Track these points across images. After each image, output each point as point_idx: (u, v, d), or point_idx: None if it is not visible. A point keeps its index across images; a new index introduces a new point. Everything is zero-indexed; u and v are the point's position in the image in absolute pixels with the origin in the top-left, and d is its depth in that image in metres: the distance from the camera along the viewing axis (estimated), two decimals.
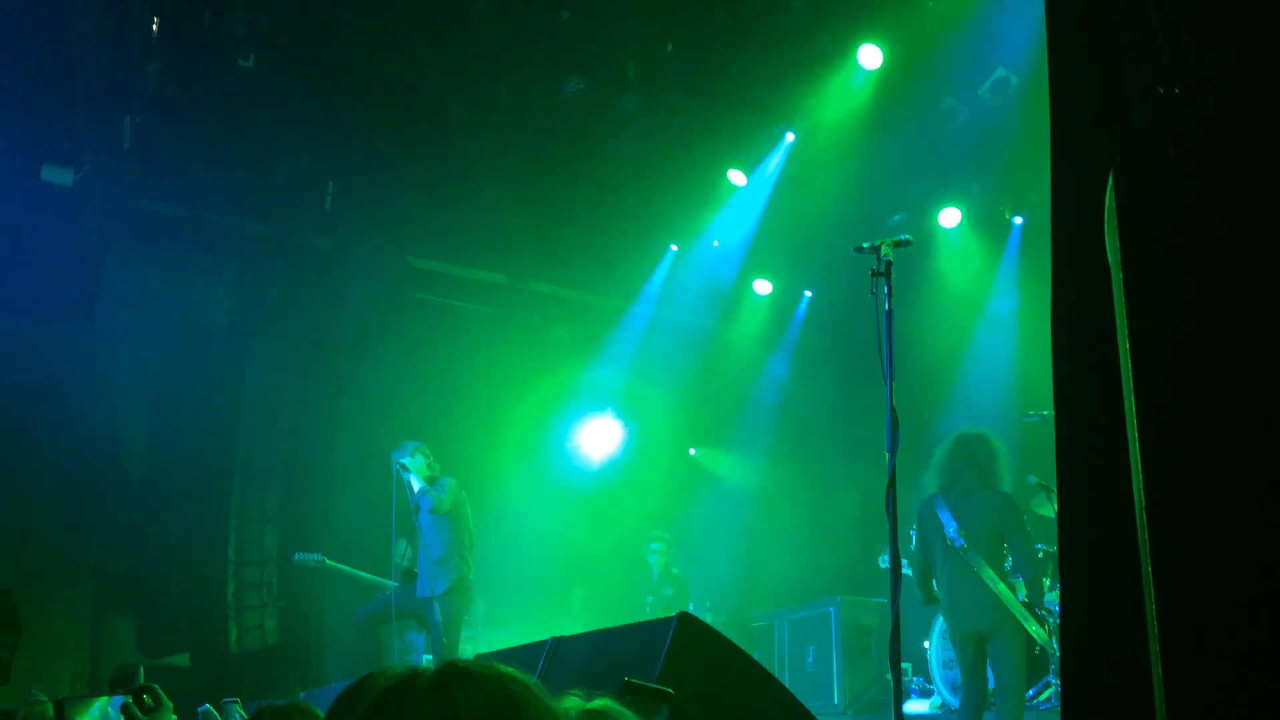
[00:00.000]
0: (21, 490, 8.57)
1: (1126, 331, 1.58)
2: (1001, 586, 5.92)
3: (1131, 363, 1.58)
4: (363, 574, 8.69)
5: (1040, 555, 6.68)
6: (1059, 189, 2.07)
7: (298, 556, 8.53)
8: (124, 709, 2.41)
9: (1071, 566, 1.91)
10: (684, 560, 10.11)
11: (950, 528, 6.06)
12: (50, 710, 3.55)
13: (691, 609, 9.28)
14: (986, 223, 9.73)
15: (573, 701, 1.75)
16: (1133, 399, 1.56)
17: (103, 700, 2.47)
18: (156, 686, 2.50)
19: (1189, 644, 1.54)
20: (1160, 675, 1.57)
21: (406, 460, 7.94)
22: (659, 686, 1.95)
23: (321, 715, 1.98)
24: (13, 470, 8.48)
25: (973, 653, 6.02)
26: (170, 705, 2.48)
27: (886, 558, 7.90)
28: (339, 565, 8.59)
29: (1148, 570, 1.60)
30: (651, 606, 9.45)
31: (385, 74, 8.50)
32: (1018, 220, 9.60)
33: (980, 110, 8.54)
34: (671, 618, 3.07)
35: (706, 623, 3.31)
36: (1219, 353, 1.51)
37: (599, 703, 1.77)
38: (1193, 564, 1.56)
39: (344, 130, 8.99)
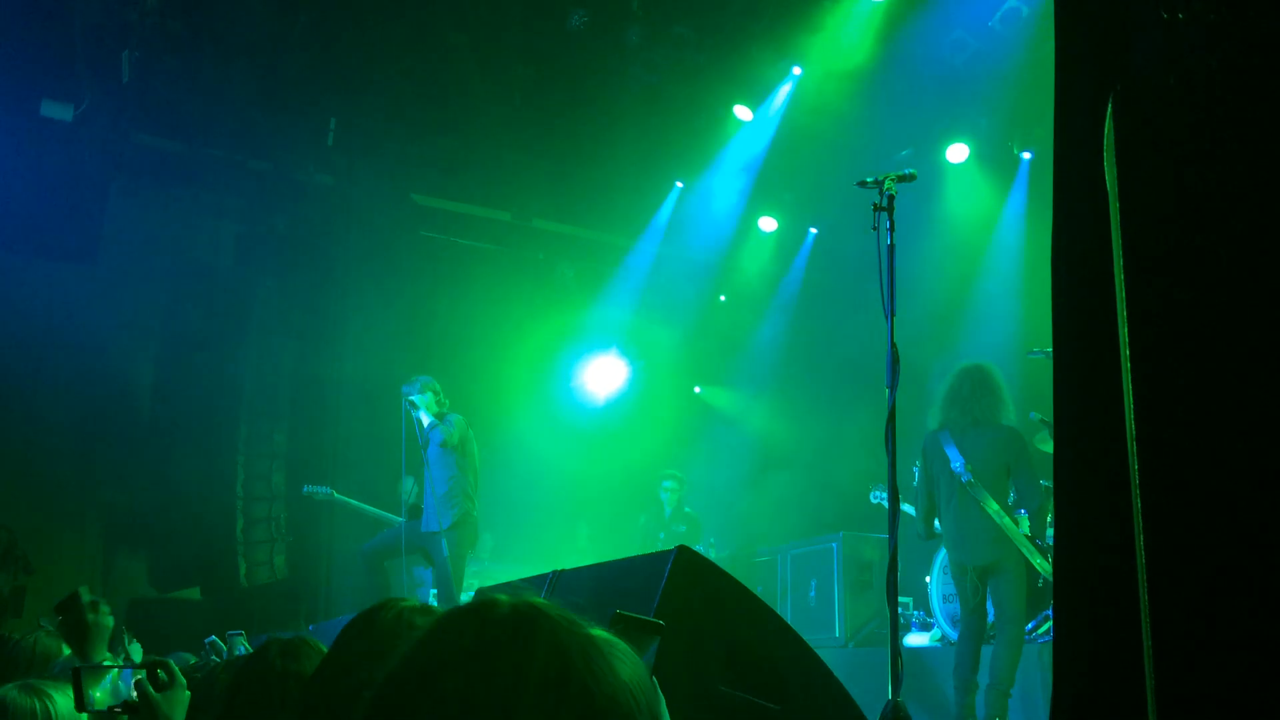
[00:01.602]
0: (29, 429, 8.64)
1: (1121, 260, 1.57)
2: (1006, 520, 5.95)
3: (1126, 293, 1.57)
4: (370, 508, 8.78)
5: (1045, 488, 6.71)
6: (1062, 120, 2.05)
7: (307, 489, 8.64)
8: (138, 685, 2.43)
9: (1064, 501, 1.92)
10: (690, 497, 10.19)
11: (957, 462, 6.08)
12: (62, 648, 3.60)
13: (699, 546, 9.38)
14: (995, 158, 9.63)
15: None
16: (1126, 329, 1.55)
17: (114, 673, 2.50)
18: (171, 662, 2.52)
19: (1179, 609, 1.55)
20: (1149, 632, 1.58)
21: (416, 397, 7.97)
22: (649, 619, 1.97)
23: (324, 649, 2.00)
24: (19, 409, 8.53)
25: (974, 586, 6.07)
26: (184, 682, 2.49)
27: (877, 494, 8.01)
28: (347, 498, 8.69)
29: (1138, 513, 1.60)
30: (664, 543, 9.54)
31: (386, 8, 8.38)
32: (1026, 155, 9.50)
33: (990, 42, 8.40)
34: (670, 551, 3.09)
35: (706, 556, 3.34)
36: (1214, 283, 1.50)
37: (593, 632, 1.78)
38: (1186, 508, 1.57)
39: (345, 66, 8.89)
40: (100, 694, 2.46)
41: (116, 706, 2.42)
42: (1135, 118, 1.62)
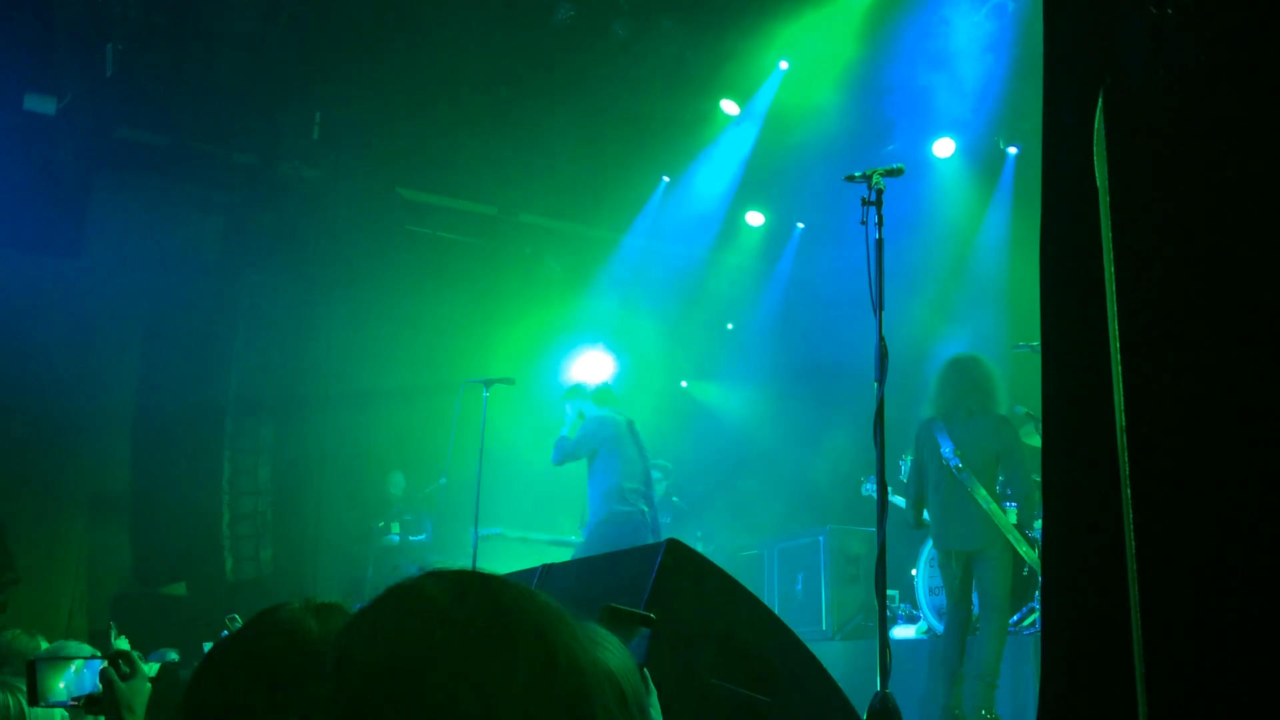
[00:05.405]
0: (13, 425, 8.59)
1: (1112, 254, 1.58)
2: (994, 507, 5.98)
3: (1116, 286, 1.58)
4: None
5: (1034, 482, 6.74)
6: (1051, 114, 2.06)
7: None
8: (103, 674, 2.43)
9: (1053, 493, 1.93)
10: (677, 490, 10.20)
11: (947, 448, 6.11)
12: (40, 643, 3.58)
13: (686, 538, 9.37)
14: (981, 153, 9.65)
15: None
16: (1115, 323, 1.56)
17: (79, 662, 2.48)
18: (135, 654, 2.51)
19: (1166, 594, 1.56)
20: (1137, 605, 1.59)
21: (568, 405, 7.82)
22: (639, 611, 1.97)
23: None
24: (3, 405, 8.48)
25: (960, 573, 6.09)
26: (145, 673, 2.49)
27: (869, 485, 8.03)
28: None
29: (1128, 504, 1.61)
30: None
31: (371, 2, 8.35)
32: (1012, 150, 9.53)
33: (977, 37, 8.43)
34: (660, 543, 3.10)
35: (695, 549, 3.34)
36: (1202, 275, 1.51)
37: None
38: (1172, 498, 1.58)
39: (330, 59, 8.85)
40: (66, 685, 2.45)
41: (77, 699, 2.42)
42: (1124, 112, 1.63)
